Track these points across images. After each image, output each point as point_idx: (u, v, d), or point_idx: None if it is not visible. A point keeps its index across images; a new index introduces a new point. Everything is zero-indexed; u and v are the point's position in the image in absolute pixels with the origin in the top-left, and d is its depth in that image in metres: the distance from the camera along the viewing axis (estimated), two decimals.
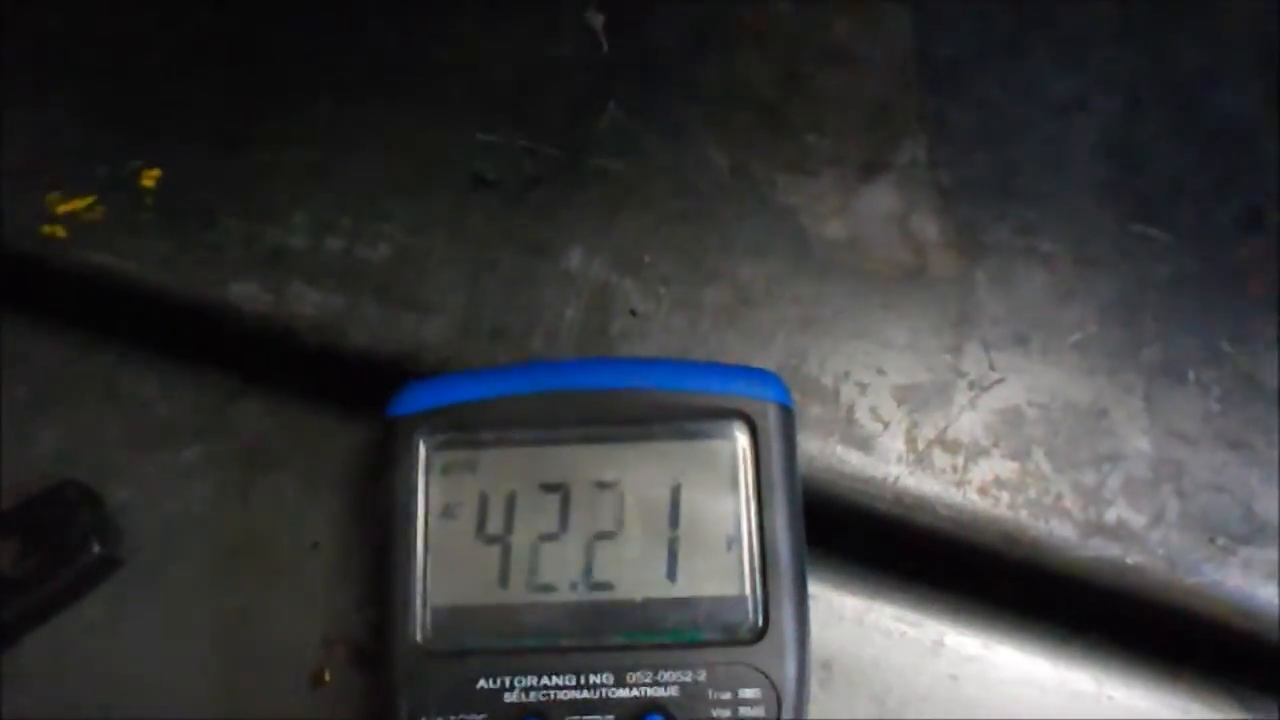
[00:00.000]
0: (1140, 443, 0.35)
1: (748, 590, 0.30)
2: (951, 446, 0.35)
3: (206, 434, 0.36)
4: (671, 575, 0.30)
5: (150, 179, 0.37)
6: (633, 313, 0.36)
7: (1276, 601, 0.33)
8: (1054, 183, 0.38)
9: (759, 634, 0.29)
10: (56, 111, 0.38)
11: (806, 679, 0.29)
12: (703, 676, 0.29)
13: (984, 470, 0.34)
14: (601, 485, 0.31)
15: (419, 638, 0.30)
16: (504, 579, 0.30)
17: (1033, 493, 0.34)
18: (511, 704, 0.29)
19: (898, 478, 0.34)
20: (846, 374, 0.35)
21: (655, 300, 0.36)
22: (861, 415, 0.35)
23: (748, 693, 0.29)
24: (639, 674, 0.29)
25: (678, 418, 0.31)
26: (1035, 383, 0.35)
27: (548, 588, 0.30)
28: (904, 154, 0.38)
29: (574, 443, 0.31)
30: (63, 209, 0.37)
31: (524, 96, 0.39)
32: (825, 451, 0.34)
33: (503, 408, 0.31)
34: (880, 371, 0.35)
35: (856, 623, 0.34)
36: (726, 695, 0.29)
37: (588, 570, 0.30)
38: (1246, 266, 0.37)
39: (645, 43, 0.39)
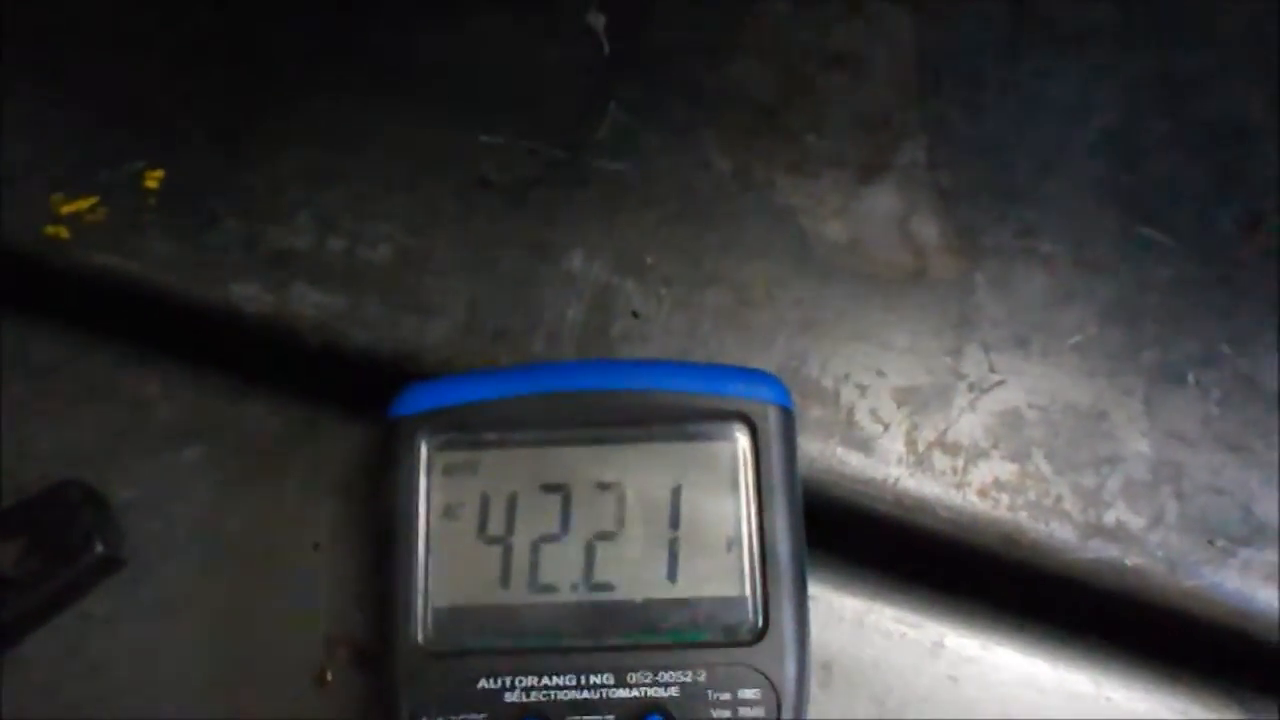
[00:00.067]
0: (1140, 445, 0.35)
1: (748, 591, 0.30)
2: (951, 448, 0.35)
3: (208, 434, 0.36)
4: (672, 576, 0.30)
5: (153, 180, 0.37)
6: (634, 314, 0.36)
7: (1275, 603, 0.33)
8: (1054, 185, 0.38)
9: (759, 635, 0.29)
10: (59, 112, 0.38)
11: (806, 680, 0.29)
12: (703, 677, 0.29)
13: (984, 472, 0.34)
14: (602, 486, 0.31)
15: (420, 638, 0.30)
16: (505, 579, 0.30)
17: (1032, 495, 0.34)
18: (512, 704, 0.29)
19: (898, 479, 0.34)
20: (847, 376, 0.35)
21: (656, 301, 0.36)
22: (861, 417, 0.35)
23: (747, 693, 0.29)
24: (639, 674, 0.29)
25: (678, 419, 0.31)
26: (1035, 385, 0.35)
27: (549, 588, 0.30)
28: (904, 156, 0.38)
29: (575, 444, 0.31)
30: (66, 209, 0.37)
31: (526, 98, 0.39)
32: (825, 453, 0.34)
33: (504, 409, 0.31)
34: (880, 373, 0.36)
35: (856, 624, 0.34)
36: (726, 696, 0.29)
37: (588, 571, 0.30)
38: (1246, 269, 0.37)
39: (646, 44, 0.40)
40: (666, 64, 0.39)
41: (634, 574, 0.30)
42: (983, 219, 0.37)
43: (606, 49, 0.39)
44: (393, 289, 0.36)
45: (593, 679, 0.29)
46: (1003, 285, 0.37)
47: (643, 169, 0.38)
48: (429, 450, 0.31)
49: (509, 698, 0.29)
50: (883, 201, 0.38)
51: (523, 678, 0.29)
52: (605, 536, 0.30)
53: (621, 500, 0.31)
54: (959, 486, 0.34)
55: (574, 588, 0.30)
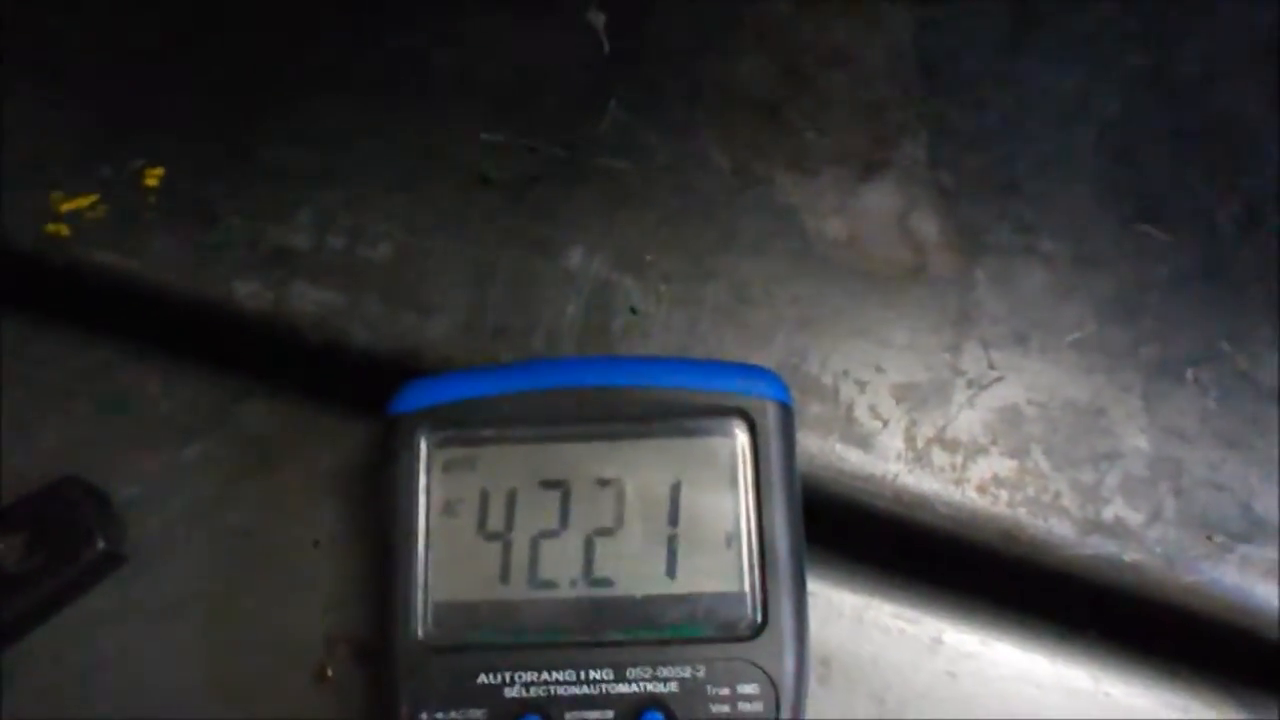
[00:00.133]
0: (1138, 441, 0.35)
1: (747, 587, 0.30)
2: (950, 445, 0.35)
3: (209, 431, 0.36)
4: (671, 572, 0.30)
5: (153, 178, 0.37)
6: (633, 311, 0.36)
7: (1274, 599, 0.33)
8: (1053, 182, 0.38)
9: (758, 630, 0.29)
10: (59, 110, 0.38)
11: (805, 675, 0.29)
12: (702, 672, 0.29)
13: (983, 468, 0.34)
14: (602, 482, 0.31)
15: (420, 633, 0.30)
16: (505, 575, 0.30)
17: (1031, 491, 0.34)
18: (512, 699, 0.29)
19: (897, 476, 0.34)
20: (846, 372, 0.36)
21: (656, 298, 0.36)
22: (861, 413, 0.35)
23: (746, 688, 0.29)
24: (638, 670, 0.29)
25: (677, 415, 0.31)
26: (1034, 381, 0.35)
27: (548, 584, 0.30)
28: (904, 153, 0.38)
29: (574, 440, 0.31)
30: (66, 207, 0.37)
31: (525, 96, 0.39)
32: (825, 449, 0.34)
33: (503, 405, 0.31)
34: (879, 370, 0.36)
35: (855, 620, 0.34)
36: (725, 691, 0.29)
37: (588, 566, 0.30)
38: (1245, 266, 0.37)
39: (646, 42, 0.40)
40: (666, 62, 0.39)
41: (633, 570, 0.30)
42: (982, 216, 0.38)
43: (606, 47, 0.39)
44: (393, 287, 0.36)
45: (592, 674, 0.29)
46: (1002, 282, 0.37)
47: (642, 166, 0.38)
48: (428, 447, 0.31)
49: (509, 693, 0.29)
50: (882, 198, 0.38)
51: (522, 673, 0.29)
52: (604, 532, 0.31)
53: (621, 496, 0.31)
54: (958, 483, 0.34)
55: (573, 583, 0.30)
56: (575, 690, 0.29)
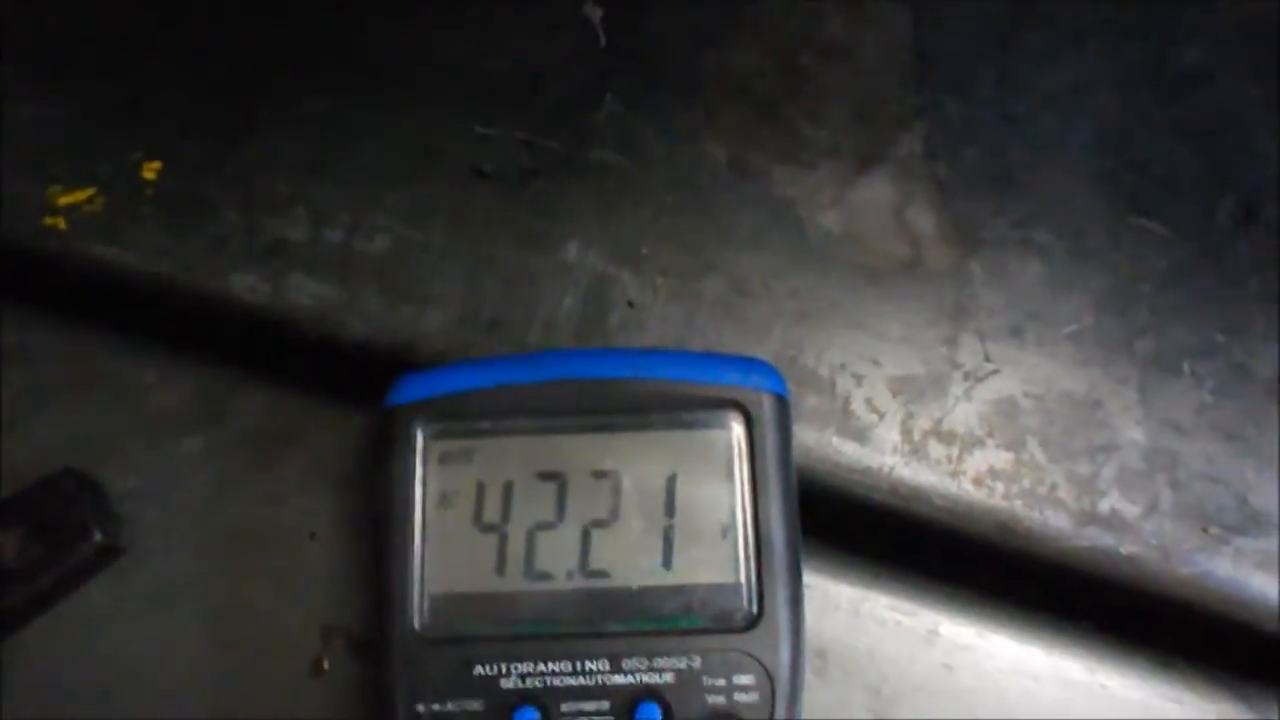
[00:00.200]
0: (1134, 433, 0.35)
1: (742, 578, 0.30)
2: (947, 437, 0.35)
3: (206, 424, 0.36)
4: (667, 563, 0.30)
5: (151, 171, 0.37)
6: (630, 304, 0.36)
7: (1269, 591, 0.33)
8: (1050, 175, 0.38)
9: (753, 621, 0.30)
10: (57, 104, 0.38)
11: (801, 666, 0.30)
12: (697, 663, 0.29)
13: (979, 461, 0.34)
14: (598, 474, 0.31)
15: (416, 625, 0.30)
16: (501, 567, 0.30)
17: (1027, 483, 0.34)
18: (508, 690, 0.29)
19: (893, 468, 0.34)
20: (842, 365, 0.36)
21: (652, 292, 0.36)
22: (857, 406, 0.35)
23: (742, 679, 0.29)
24: (634, 661, 0.29)
25: (673, 407, 0.31)
26: (1030, 374, 0.36)
27: (544, 576, 0.30)
28: (901, 146, 0.38)
29: (570, 432, 0.31)
30: (63, 201, 0.37)
31: (522, 89, 0.39)
32: (821, 442, 0.34)
33: (499, 397, 0.31)
34: (876, 363, 0.36)
35: (852, 612, 0.34)
36: (721, 682, 0.29)
37: (584, 558, 0.30)
38: (1241, 259, 0.37)
39: (643, 36, 0.40)
40: (663, 55, 0.39)
41: (629, 561, 0.30)
42: (979, 209, 0.38)
43: (603, 40, 0.40)
44: (389, 280, 0.36)
45: (588, 665, 0.29)
46: (998, 275, 0.37)
47: (639, 160, 0.38)
48: (424, 439, 0.31)
49: (504, 684, 0.29)
50: (879, 192, 0.38)
51: (518, 664, 0.29)
52: (600, 524, 0.31)
53: (617, 488, 0.31)
54: (954, 475, 0.34)
55: (569, 575, 0.30)
56: (571, 681, 0.29)
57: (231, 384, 0.36)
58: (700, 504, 0.31)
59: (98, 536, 0.33)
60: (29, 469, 0.34)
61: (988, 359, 0.36)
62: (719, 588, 0.30)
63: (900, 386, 0.35)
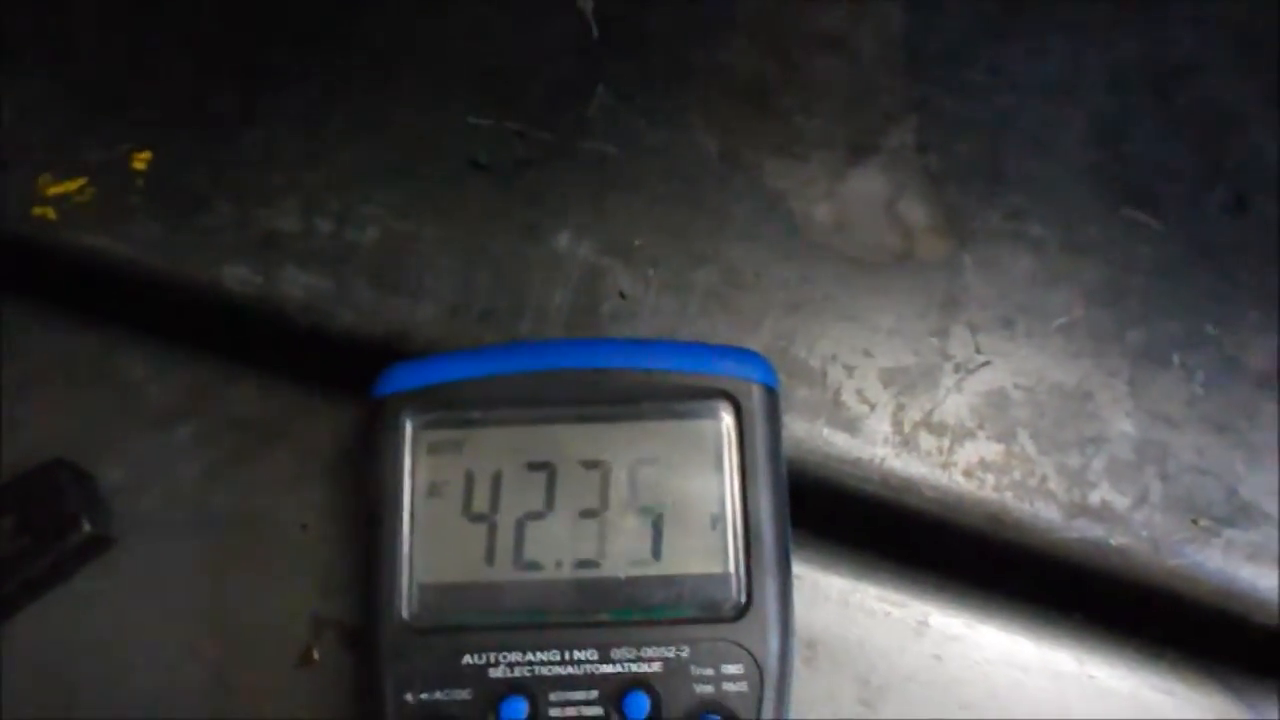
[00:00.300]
0: (1125, 425, 0.35)
1: (731, 568, 0.30)
2: (937, 429, 0.35)
3: (197, 415, 0.36)
4: (656, 553, 0.30)
5: (141, 161, 0.37)
6: (621, 295, 0.36)
7: (1258, 583, 0.33)
8: (1042, 168, 0.38)
9: (742, 611, 0.29)
10: (47, 94, 0.38)
11: (789, 655, 0.30)
12: (686, 653, 0.29)
13: (969, 452, 0.34)
14: (587, 464, 0.31)
15: (405, 614, 0.30)
16: (490, 557, 0.30)
17: (1017, 475, 0.34)
18: (496, 680, 0.29)
19: (884, 459, 0.34)
20: (834, 356, 0.36)
21: (644, 283, 0.36)
22: (848, 397, 0.35)
23: (730, 668, 0.29)
24: (623, 650, 0.29)
25: (663, 397, 0.31)
26: (1021, 366, 0.36)
27: (533, 565, 0.30)
28: (892, 138, 0.38)
29: (560, 422, 0.31)
30: (53, 191, 0.37)
31: (515, 80, 0.39)
32: (812, 433, 0.35)
33: (489, 387, 0.31)
34: (867, 354, 0.36)
35: (841, 603, 0.34)
36: (709, 671, 0.29)
37: (573, 548, 0.30)
38: (1232, 251, 0.37)
39: (635, 27, 0.40)
40: (655, 46, 0.39)
41: (618, 551, 0.30)
42: (970, 201, 0.38)
43: (595, 31, 0.39)
44: (381, 270, 0.36)
45: (576, 655, 0.29)
46: (989, 267, 0.37)
47: (631, 151, 0.38)
48: (413, 429, 0.31)
49: (493, 674, 0.29)
50: (871, 184, 0.38)
51: (507, 654, 0.29)
52: (590, 514, 0.31)
53: (606, 478, 0.31)
54: (945, 466, 0.34)
55: (558, 565, 0.30)
56: (560, 671, 0.29)
57: (223, 375, 0.36)
58: (690, 494, 0.31)
59: (87, 527, 0.33)
60: (19, 459, 0.34)
61: (979, 351, 0.36)
62: (708, 578, 0.30)
63: (891, 378, 0.35)
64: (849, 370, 0.35)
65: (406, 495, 0.31)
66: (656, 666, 0.29)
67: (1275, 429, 0.35)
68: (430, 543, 0.30)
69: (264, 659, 0.33)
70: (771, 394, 0.31)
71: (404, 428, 0.31)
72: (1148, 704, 0.33)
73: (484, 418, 0.31)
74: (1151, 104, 0.39)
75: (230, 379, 0.36)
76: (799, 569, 0.33)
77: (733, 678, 0.29)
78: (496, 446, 0.31)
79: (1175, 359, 0.36)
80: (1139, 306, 0.36)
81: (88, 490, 0.34)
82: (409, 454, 0.31)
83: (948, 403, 0.35)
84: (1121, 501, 0.34)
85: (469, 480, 0.31)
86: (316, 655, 0.33)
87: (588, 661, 0.29)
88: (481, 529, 0.30)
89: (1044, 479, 0.34)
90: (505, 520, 0.31)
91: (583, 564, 0.30)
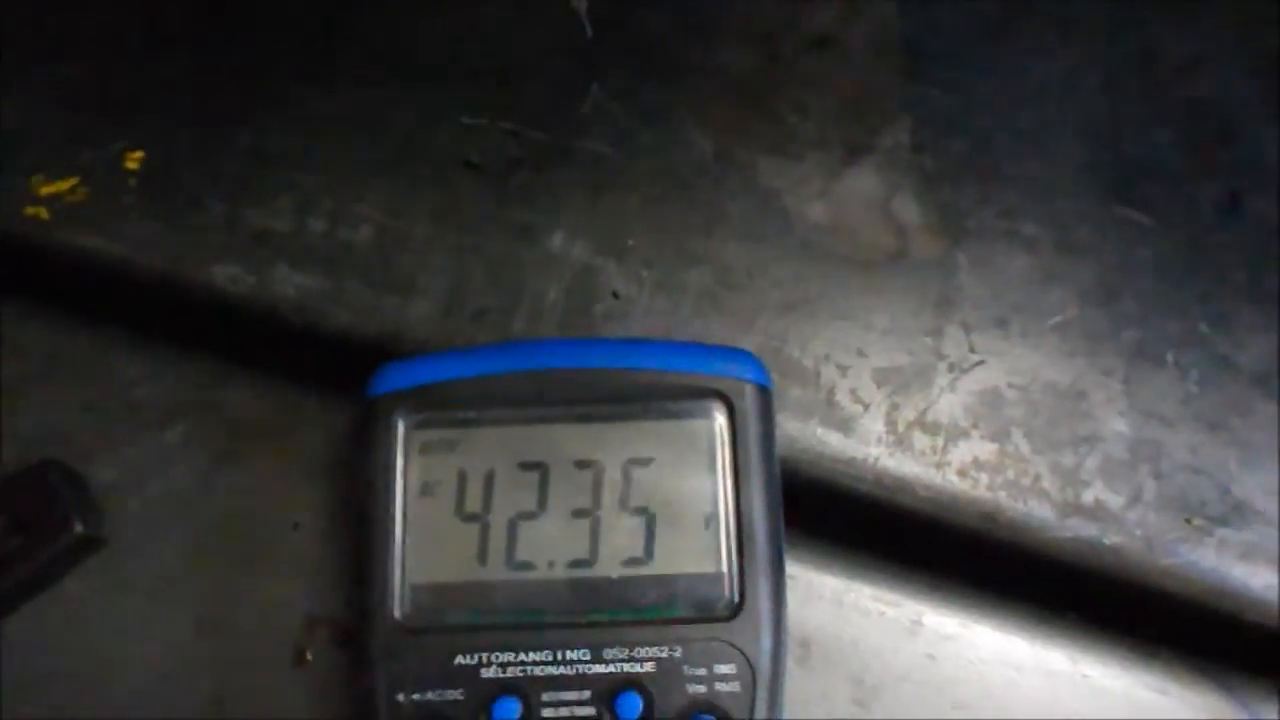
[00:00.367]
0: (1118, 424, 0.35)
1: (724, 568, 0.30)
2: (931, 428, 0.35)
3: (189, 415, 0.36)
4: (649, 553, 0.30)
5: (134, 161, 0.37)
6: (615, 295, 0.36)
7: (1251, 581, 0.33)
8: (1036, 167, 0.38)
9: (735, 611, 0.29)
10: (40, 93, 0.38)
11: (782, 656, 0.30)
12: (678, 653, 0.29)
13: (963, 452, 0.34)
14: (580, 464, 0.31)
15: (398, 614, 0.30)
16: (482, 556, 0.30)
17: (1011, 474, 0.34)
18: (488, 680, 0.29)
19: (877, 459, 0.34)
20: (827, 356, 0.36)
21: (638, 283, 0.36)
22: (842, 397, 0.35)
23: (723, 668, 0.29)
24: (615, 650, 0.29)
25: (656, 397, 0.31)
26: (1015, 365, 0.36)
27: (526, 565, 0.30)
28: (887, 138, 0.38)
29: (552, 422, 0.31)
30: (46, 191, 0.37)
31: (508, 80, 0.39)
32: (806, 433, 0.34)
33: (481, 387, 0.31)
34: (861, 353, 0.36)
35: (835, 602, 0.34)
36: (702, 671, 0.29)
37: (566, 548, 0.30)
38: (1226, 250, 0.37)
39: (629, 27, 0.40)
40: (649, 46, 0.39)
41: (611, 551, 0.30)
42: (965, 200, 0.38)
43: (589, 31, 0.39)
44: (374, 270, 0.36)
45: (569, 655, 0.29)
46: (984, 266, 0.37)
47: (625, 151, 0.38)
48: (406, 429, 0.31)
49: (485, 674, 0.29)
50: (865, 183, 0.38)
51: (499, 654, 0.29)
52: (582, 514, 0.31)
53: (599, 478, 0.31)
54: (938, 466, 0.34)
55: (551, 565, 0.30)
56: (552, 671, 0.29)
57: (215, 375, 0.36)
58: (682, 494, 0.31)
59: (79, 528, 0.33)
60: (10, 459, 0.34)
61: (973, 350, 0.36)
62: (701, 577, 0.30)
63: (885, 377, 0.35)
64: (843, 370, 0.35)
65: (399, 495, 0.31)
66: (649, 666, 0.29)
67: (1269, 428, 0.35)
68: (423, 543, 0.30)
69: (257, 659, 0.33)
70: (765, 393, 0.31)
71: (397, 427, 0.31)
72: (1141, 703, 0.33)
73: (477, 417, 0.31)
74: (1146, 103, 0.39)
75: (223, 379, 0.36)
76: (792, 569, 0.33)
77: (725, 678, 0.29)
78: (489, 446, 0.31)
79: (1169, 358, 0.36)
80: (1133, 305, 0.36)
81: (79, 491, 0.34)
82: (401, 453, 0.31)
83: (941, 402, 0.35)
84: (1115, 500, 0.34)
85: (461, 480, 0.31)
86: (309, 655, 0.33)
87: (580, 661, 0.29)
88: (474, 529, 0.30)
89: (1038, 478, 0.34)
90: (498, 520, 0.30)
91: (575, 564, 0.30)
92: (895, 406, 0.35)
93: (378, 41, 0.39)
